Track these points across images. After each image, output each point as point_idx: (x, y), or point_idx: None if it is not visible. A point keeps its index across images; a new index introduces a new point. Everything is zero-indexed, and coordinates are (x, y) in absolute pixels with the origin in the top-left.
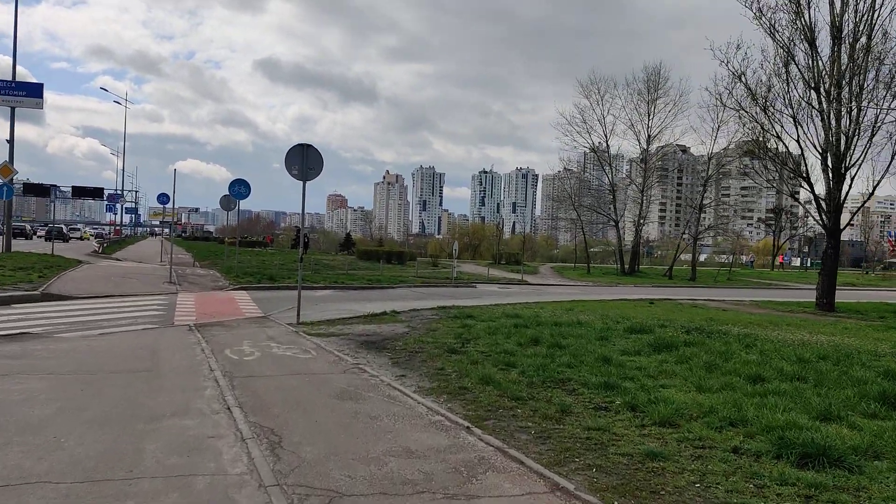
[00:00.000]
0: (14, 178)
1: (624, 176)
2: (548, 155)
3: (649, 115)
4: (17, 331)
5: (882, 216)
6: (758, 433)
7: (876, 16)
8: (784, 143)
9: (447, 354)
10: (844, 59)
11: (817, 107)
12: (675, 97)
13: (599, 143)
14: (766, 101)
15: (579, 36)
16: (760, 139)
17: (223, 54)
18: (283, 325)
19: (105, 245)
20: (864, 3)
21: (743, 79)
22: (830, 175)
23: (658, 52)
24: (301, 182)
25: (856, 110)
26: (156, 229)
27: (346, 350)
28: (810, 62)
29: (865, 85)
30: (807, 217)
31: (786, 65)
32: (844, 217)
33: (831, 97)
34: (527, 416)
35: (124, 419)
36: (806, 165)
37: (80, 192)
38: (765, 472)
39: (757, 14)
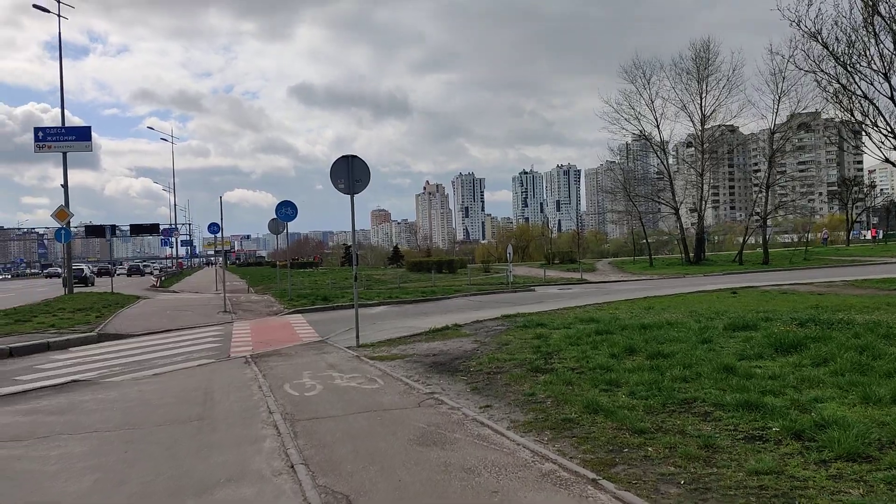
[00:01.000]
0: (76, 221)
1: (679, 160)
2: (586, 149)
3: (701, 95)
4: (69, 378)
5: None
6: None
7: None
8: (872, 102)
9: (532, 374)
10: None
11: None
12: (728, 72)
13: (649, 130)
14: (849, 58)
15: (605, 26)
16: (842, 100)
17: (258, 84)
18: (343, 349)
19: (163, 278)
20: None
21: (819, 38)
22: None
23: (689, 34)
24: (349, 196)
25: None
26: (211, 259)
27: (415, 375)
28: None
29: None
30: (872, 187)
31: (871, 15)
32: None
33: None
34: (662, 455)
35: (170, 492)
36: None
37: (137, 230)
38: None
39: None
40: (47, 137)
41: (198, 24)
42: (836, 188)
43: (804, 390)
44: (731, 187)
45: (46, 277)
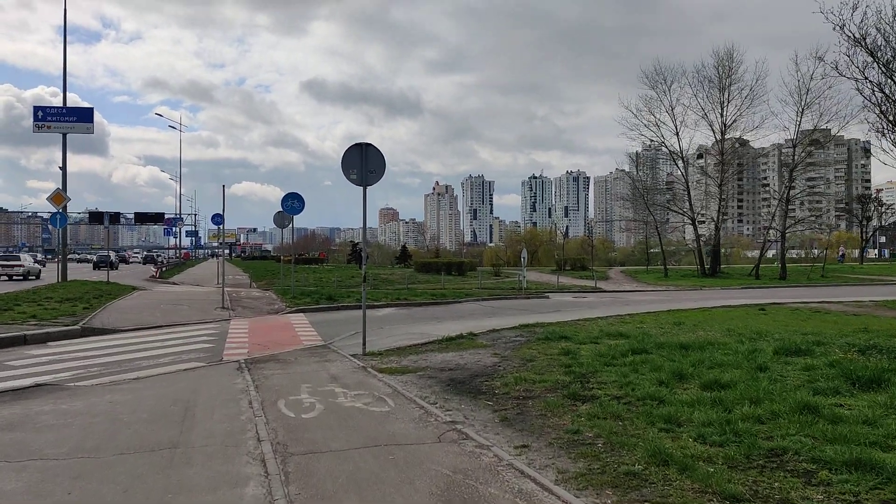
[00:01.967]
0: (81, 207)
1: (697, 169)
2: (595, 157)
3: (722, 104)
4: (35, 380)
5: None
6: None
7: None
8: None
9: (570, 403)
10: None
11: None
12: (752, 82)
13: (668, 138)
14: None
15: (618, 35)
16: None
17: (272, 78)
18: (348, 357)
19: (163, 269)
20: None
21: (863, 44)
22: None
23: (701, 46)
24: (360, 189)
25: None
26: (216, 251)
27: (431, 396)
28: None
29: None
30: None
31: None
32: None
33: None
34: None
35: None
36: None
37: (142, 218)
38: None
39: None
40: (47, 117)
41: (212, 14)
42: (844, 205)
43: None
44: (740, 200)
45: (78, 263)
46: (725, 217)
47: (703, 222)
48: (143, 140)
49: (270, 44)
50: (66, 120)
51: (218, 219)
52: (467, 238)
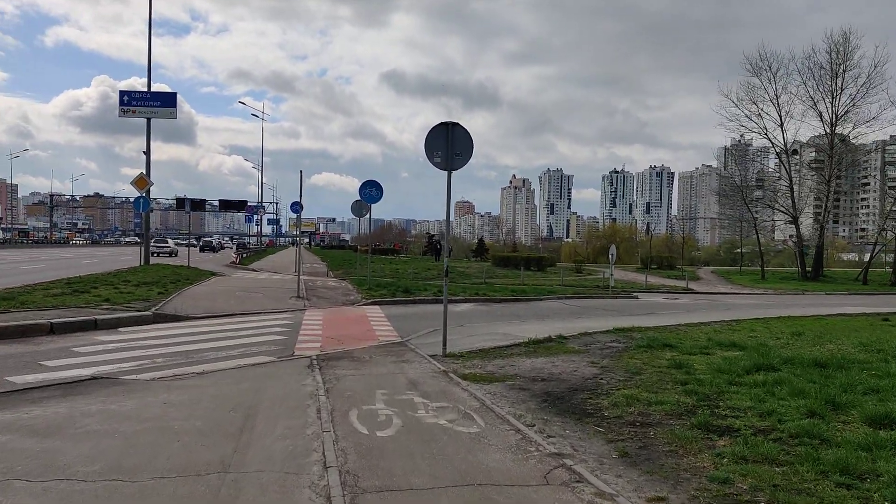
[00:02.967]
0: (170, 193)
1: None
2: (680, 152)
3: (833, 93)
4: (95, 371)
5: None
6: None
7: None
8: None
9: (703, 435)
10: None
11: None
12: (868, 69)
13: (767, 131)
14: None
15: (708, 28)
16: None
17: (352, 70)
18: (426, 358)
19: (244, 255)
20: None
21: None
22: None
23: (798, 38)
24: (444, 173)
25: None
26: (295, 239)
27: (526, 413)
28: None
29: None
30: None
31: None
32: None
33: None
34: None
35: None
36: None
37: (226, 206)
38: None
39: None
40: (132, 102)
41: (296, 6)
42: None
43: None
44: (836, 200)
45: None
46: (818, 216)
47: (829, 220)
48: (229, 130)
49: (352, 36)
50: (150, 105)
51: (296, 207)
52: (543, 233)
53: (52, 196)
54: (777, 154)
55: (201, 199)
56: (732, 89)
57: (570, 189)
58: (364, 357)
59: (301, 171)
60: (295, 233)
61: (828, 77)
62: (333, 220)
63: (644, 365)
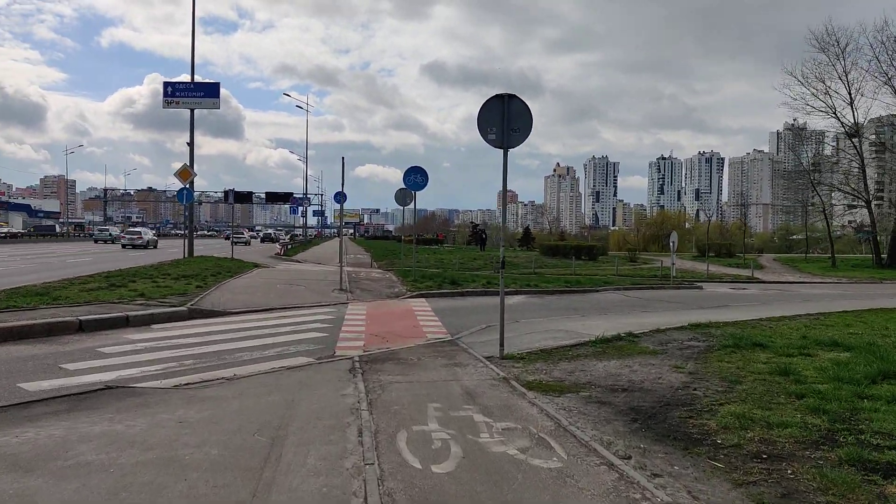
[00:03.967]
0: (219, 186)
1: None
2: (729, 137)
3: None
4: (107, 382)
5: None
6: None
7: None
8: None
9: (863, 476)
10: None
11: None
12: None
13: (836, 109)
14: None
15: (756, 9)
16: None
17: (394, 62)
18: (482, 360)
19: (288, 247)
20: None
21: None
22: None
23: (852, 18)
24: (501, 150)
25: None
26: (340, 229)
27: (616, 440)
28: None
29: None
30: None
31: None
32: None
33: None
34: None
35: None
36: None
37: (272, 198)
38: None
39: None
40: (176, 93)
41: (338, 2)
42: None
43: None
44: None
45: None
46: (881, 202)
47: (855, 207)
48: (275, 124)
49: (393, 28)
50: (193, 95)
51: (338, 197)
52: (588, 221)
53: (105, 191)
54: (847, 134)
55: (248, 192)
56: (797, 67)
57: (615, 176)
58: (411, 359)
59: (343, 158)
60: (340, 224)
61: None
62: (377, 210)
63: (739, 370)
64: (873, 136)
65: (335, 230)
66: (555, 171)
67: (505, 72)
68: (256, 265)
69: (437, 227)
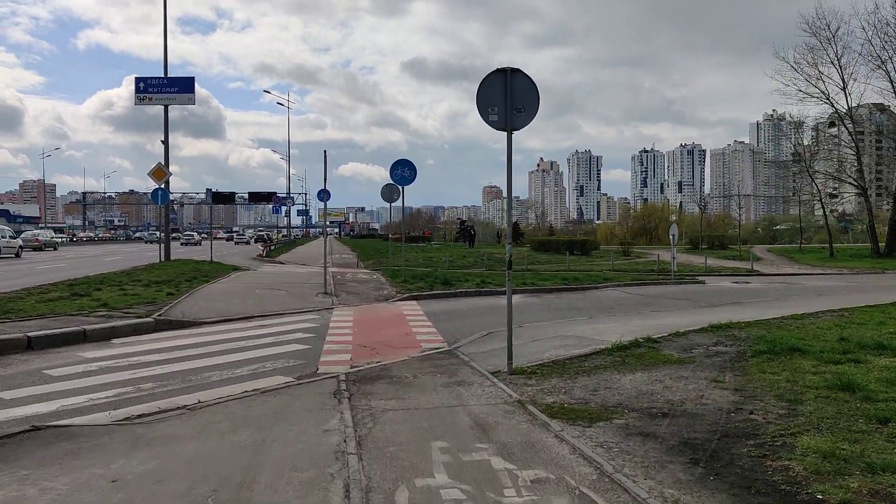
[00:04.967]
0: (201, 188)
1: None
2: (708, 129)
3: None
4: (44, 417)
5: None
6: None
7: None
8: None
9: None
10: None
11: None
12: None
13: (829, 95)
14: None
15: (732, 3)
16: None
17: (375, 59)
18: (488, 377)
19: (271, 248)
20: None
21: None
22: None
23: (839, 2)
24: (505, 133)
25: None
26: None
27: (681, 494)
28: None
29: None
30: None
31: None
32: None
33: None
34: None
35: None
36: None
37: (255, 198)
38: None
39: None
40: (149, 89)
41: (317, 0)
42: None
43: None
44: (879, 172)
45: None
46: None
47: (836, 196)
48: (256, 123)
49: (372, 26)
50: (166, 91)
51: (322, 194)
52: (573, 215)
53: (84, 194)
54: (841, 119)
55: (231, 192)
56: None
57: (599, 170)
58: (406, 376)
59: (325, 151)
60: (324, 223)
61: (894, 33)
62: (362, 209)
63: (791, 384)
64: (866, 124)
65: (321, 229)
66: (538, 165)
67: (486, 67)
68: (236, 268)
69: (423, 225)
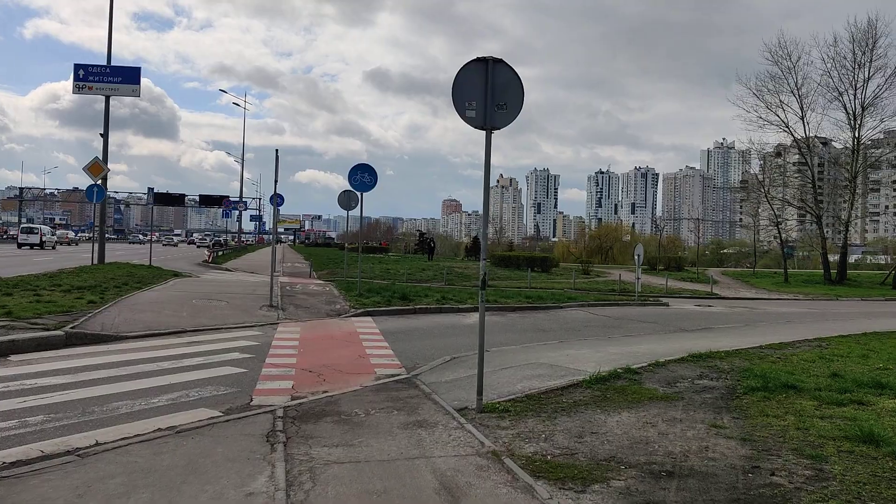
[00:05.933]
0: (144, 188)
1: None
2: (661, 153)
3: (854, 86)
4: None
5: None
6: None
7: None
8: None
9: None
10: None
11: None
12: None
13: (788, 123)
14: None
15: (685, 32)
16: None
17: (337, 67)
18: (454, 416)
19: (218, 254)
20: None
21: None
22: None
23: (789, 33)
24: (483, 132)
25: None
26: (281, 236)
27: None
28: None
29: None
30: None
31: None
32: None
33: None
34: None
35: None
36: None
37: (207, 201)
38: None
39: None
40: (89, 77)
41: (280, 4)
42: None
43: None
44: (821, 202)
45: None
46: (803, 219)
47: (854, 220)
48: (212, 125)
49: (336, 34)
50: (109, 80)
51: (274, 198)
52: (530, 232)
53: (21, 189)
54: (799, 148)
55: (180, 194)
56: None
57: (556, 189)
58: (357, 413)
59: (276, 150)
60: (280, 230)
61: (850, 67)
62: (319, 217)
63: (800, 431)
64: (788, 157)
65: (272, 236)
66: (498, 181)
67: (449, 82)
68: (176, 274)
69: (381, 235)
